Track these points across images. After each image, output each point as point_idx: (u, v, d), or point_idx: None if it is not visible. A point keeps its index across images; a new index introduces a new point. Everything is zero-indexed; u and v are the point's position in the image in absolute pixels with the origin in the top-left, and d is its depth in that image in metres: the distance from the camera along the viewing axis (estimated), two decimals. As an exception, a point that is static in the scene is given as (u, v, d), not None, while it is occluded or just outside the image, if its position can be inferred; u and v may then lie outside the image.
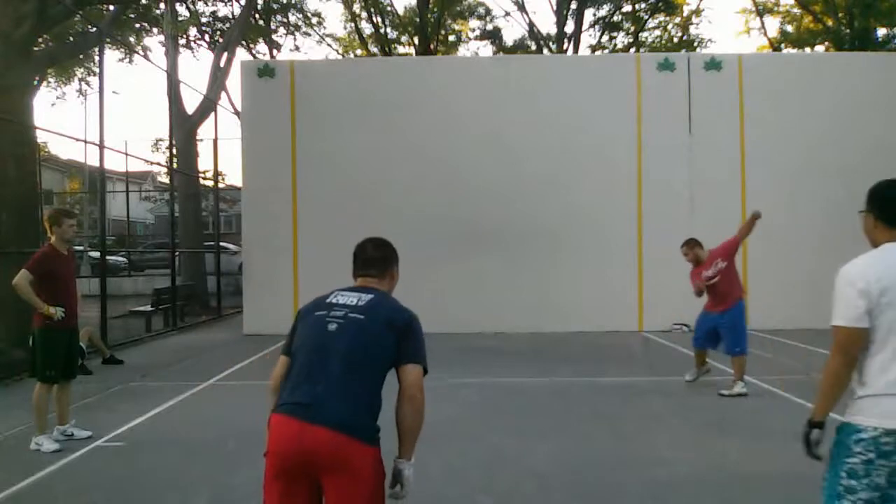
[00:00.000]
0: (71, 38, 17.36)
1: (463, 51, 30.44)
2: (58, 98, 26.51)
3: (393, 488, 2.40)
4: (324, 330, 2.41)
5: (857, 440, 2.40)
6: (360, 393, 2.34)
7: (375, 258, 2.74)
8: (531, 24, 28.89)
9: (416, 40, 26.97)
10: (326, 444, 2.23)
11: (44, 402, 5.53)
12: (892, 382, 2.36)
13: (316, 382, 2.32)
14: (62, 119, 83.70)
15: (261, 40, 25.17)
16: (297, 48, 63.62)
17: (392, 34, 28.25)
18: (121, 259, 24.78)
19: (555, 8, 26.27)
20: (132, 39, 21.10)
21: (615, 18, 27.77)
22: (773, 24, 36.16)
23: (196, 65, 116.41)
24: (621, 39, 28.55)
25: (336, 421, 2.25)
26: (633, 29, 28.07)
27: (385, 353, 2.40)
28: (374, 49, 27.84)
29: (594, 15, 27.70)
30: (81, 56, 18.68)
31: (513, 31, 79.02)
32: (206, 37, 23.33)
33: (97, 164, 12.59)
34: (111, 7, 15.40)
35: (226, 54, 17.86)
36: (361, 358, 2.36)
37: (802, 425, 2.52)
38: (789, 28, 27.48)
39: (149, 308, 13.51)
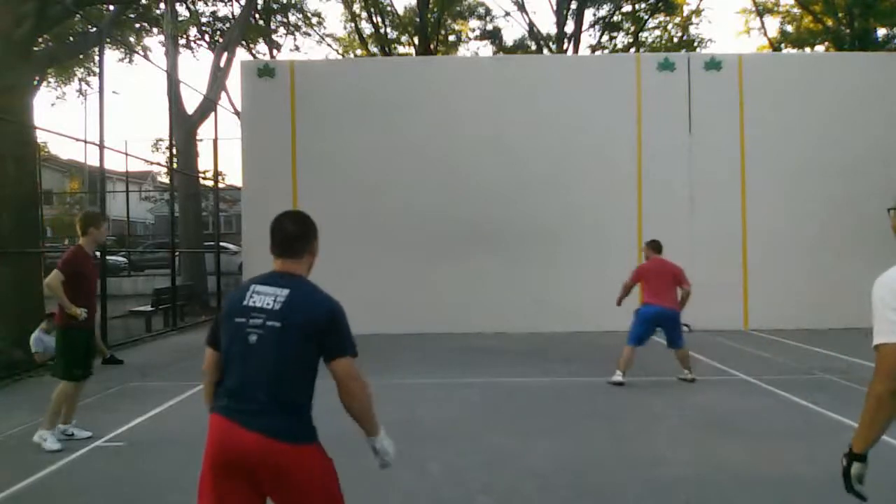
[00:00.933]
0: (71, 38, 17.36)
1: (463, 51, 30.46)
2: (58, 98, 26.55)
3: (377, 459, 2.64)
4: (245, 342, 2.43)
5: None
6: (292, 400, 2.43)
7: (295, 236, 2.61)
8: (531, 24, 28.92)
9: (416, 40, 26.97)
10: (261, 451, 2.34)
11: (66, 399, 5.59)
12: None
13: (248, 393, 2.43)
14: (62, 119, 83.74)
15: (261, 40, 25.17)
16: (297, 48, 63.83)
17: (392, 34, 28.25)
18: (121, 259, 24.77)
19: (555, 8, 26.26)
20: (132, 39, 21.11)
21: (615, 18, 27.75)
22: (773, 24, 36.22)
23: (196, 65, 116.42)
24: (621, 39, 28.56)
25: (271, 430, 2.35)
26: (633, 29, 28.06)
27: (308, 358, 2.45)
28: (374, 49, 27.83)
29: (594, 15, 27.72)
30: (81, 56, 18.68)
31: (513, 31, 79.07)
32: (206, 37, 23.33)
33: (97, 164, 12.59)
34: (111, 7, 15.40)
35: (226, 54, 17.86)
36: (285, 369, 2.41)
37: (842, 458, 2.26)
38: (789, 28, 27.48)
39: (149, 308, 13.51)
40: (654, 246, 8.28)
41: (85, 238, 5.68)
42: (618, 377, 7.56)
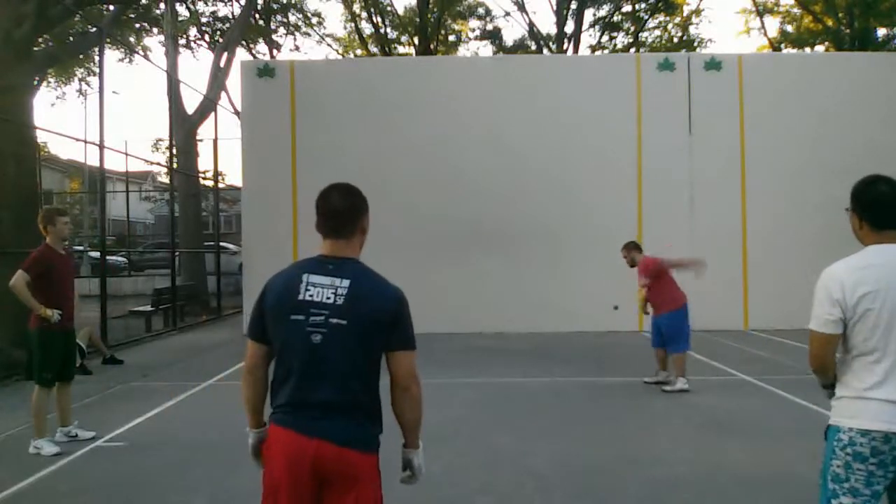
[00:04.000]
0: (71, 38, 17.36)
1: (463, 51, 30.47)
2: (58, 98, 26.59)
3: (404, 472, 2.42)
4: (308, 341, 2.20)
5: (837, 441, 2.44)
6: (364, 404, 2.26)
7: (343, 210, 2.36)
8: (531, 24, 28.91)
9: (416, 40, 26.97)
10: (332, 459, 2.16)
11: (43, 405, 5.48)
12: (869, 385, 2.39)
13: (315, 400, 2.20)
14: (62, 119, 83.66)
15: (261, 40, 25.18)
16: (297, 48, 63.68)
17: (392, 34, 28.26)
18: (121, 259, 24.78)
19: (555, 8, 26.27)
20: (132, 39, 21.12)
21: (615, 18, 27.76)
22: (773, 24, 36.21)
23: (196, 65, 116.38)
24: (621, 39, 28.56)
25: (343, 439, 2.18)
26: (633, 29, 28.06)
27: (377, 357, 2.28)
28: (374, 49, 27.84)
29: (594, 15, 27.73)
30: (81, 56, 18.69)
31: (513, 31, 79.01)
32: (206, 37, 23.35)
33: (97, 164, 12.60)
34: (111, 7, 15.40)
35: (226, 54, 17.86)
36: (356, 371, 2.22)
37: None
38: (789, 28, 27.48)
39: (149, 308, 13.51)
40: (632, 245, 8.09)
41: (48, 236, 5.52)
42: (684, 384, 7.32)
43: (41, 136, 32.48)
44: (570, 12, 26.36)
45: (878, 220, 2.44)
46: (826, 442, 2.50)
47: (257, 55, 24.60)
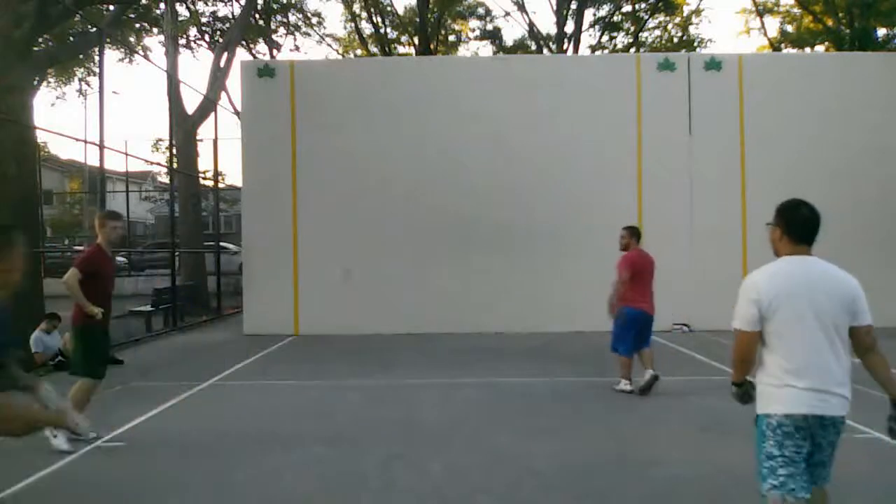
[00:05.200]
0: (71, 38, 17.36)
1: (463, 51, 30.47)
2: (58, 98, 26.54)
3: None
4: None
5: (767, 425, 2.91)
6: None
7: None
8: (531, 24, 28.96)
9: (416, 40, 26.97)
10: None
11: (85, 398, 5.51)
12: (787, 374, 2.87)
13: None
14: (62, 119, 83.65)
15: (261, 40, 25.18)
16: (297, 48, 63.63)
17: (392, 34, 28.27)
18: (121, 259, 24.76)
19: (555, 8, 26.27)
20: (132, 39, 21.11)
21: (615, 18, 27.76)
22: (773, 24, 36.18)
23: (196, 65, 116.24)
24: (621, 39, 28.56)
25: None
26: (633, 29, 28.06)
27: None
28: (374, 49, 27.84)
29: (594, 15, 27.73)
30: (81, 56, 18.69)
31: (513, 31, 79.00)
32: (206, 37, 23.35)
33: (97, 164, 12.59)
34: (111, 7, 15.39)
35: (226, 54, 17.85)
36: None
37: (731, 388, 3.18)
38: (789, 28, 27.47)
39: (149, 308, 13.50)
40: (636, 233, 7.85)
41: (100, 238, 5.70)
42: (625, 385, 7.26)
43: (41, 136, 32.51)
44: (570, 12, 26.35)
45: (798, 236, 3.00)
46: (756, 428, 2.97)
47: (257, 55, 24.61)
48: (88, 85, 22.43)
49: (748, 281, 3.00)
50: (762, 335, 2.94)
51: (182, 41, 21.00)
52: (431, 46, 26.45)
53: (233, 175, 30.42)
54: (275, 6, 25.32)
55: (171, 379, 8.52)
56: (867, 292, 3.12)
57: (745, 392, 3.08)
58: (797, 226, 3.01)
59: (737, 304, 2.99)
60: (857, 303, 2.95)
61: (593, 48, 27.94)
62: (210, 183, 19.03)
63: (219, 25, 23.26)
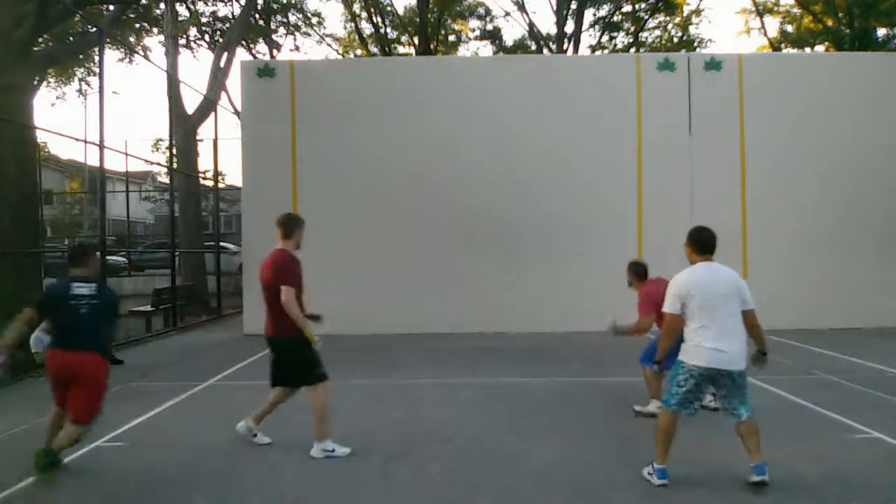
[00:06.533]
0: (71, 38, 17.36)
1: (463, 51, 30.47)
2: (58, 98, 26.57)
3: None
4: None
5: (682, 369, 4.48)
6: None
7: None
8: (531, 24, 28.95)
9: (416, 40, 26.97)
10: None
11: (329, 403, 5.31)
12: (699, 340, 4.40)
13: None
14: (62, 119, 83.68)
15: (261, 40, 25.18)
16: (297, 48, 63.75)
17: (392, 34, 28.26)
18: (121, 259, 24.77)
19: (555, 8, 26.27)
20: (132, 39, 21.11)
21: (615, 18, 27.76)
22: (773, 24, 36.22)
23: (196, 65, 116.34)
24: (621, 39, 28.56)
25: None
26: (633, 29, 28.06)
27: None
28: (374, 49, 27.84)
29: (594, 15, 27.73)
30: (81, 56, 18.69)
31: (513, 31, 79.07)
32: (206, 37, 23.36)
33: (97, 164, 12.59)
34: (111, 7, 15.40)
35: (226, 54, 17.85)
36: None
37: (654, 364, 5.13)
38: (789, 28, 27.48)
39: (149, 308, 13.50)
40: (636, 269, 6.86)
41: (290, 242, 5.33)
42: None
43: (41, 136, 32.53)
44: (570, 12, 26.35)
45: (702, 249, 4.62)
46: (676, 367, 4.55)
47: (257, 55, 24.61)
48: (88, 85, 22.46)
49: (675, 281, 4.64)
50: (685, 315, 4.56)
51: (182, 41, 21.01)
52: (431, 46, 26.44)
53: (233, 175, 30.51)
54: (275, 6, 25.32)
55: (171, 379, 8.53)
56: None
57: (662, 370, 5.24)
58: (701, 243, 4.65)
59: (667, 296, 4.62)
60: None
61: (593, 48, 27.94)
62: (210, 183, 19.03)
63: (219, 25, 23.27)
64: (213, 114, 17.10)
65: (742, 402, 4.43)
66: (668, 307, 4.50)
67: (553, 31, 27.50)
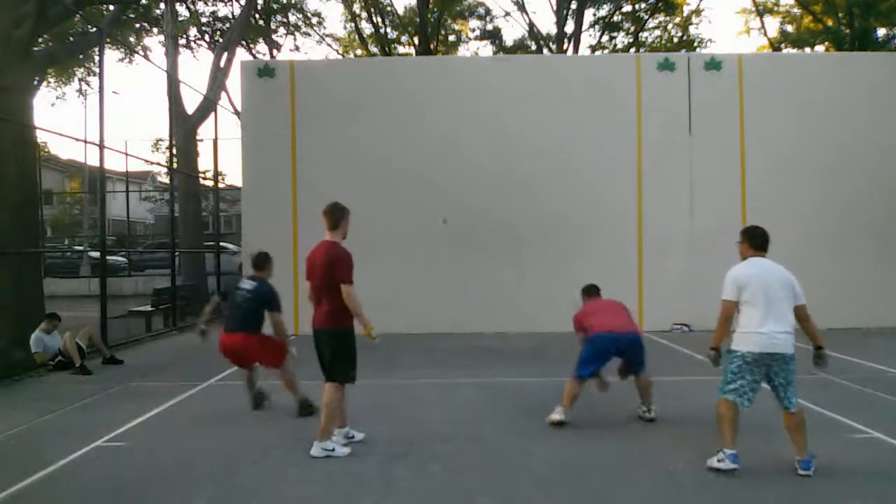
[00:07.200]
0: (71, 38, 17.36)
1: (463, 51, 30.46)
2: (58, 98, 26.54)
3: None
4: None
5: (737, 356, 4.67)
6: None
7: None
8: (531, 24, 28.95)
9: (416, 40, 26.97)
10: None
11: (341, 405, 5.32)
12: (752, 327, 4.62)
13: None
14: (62, 119, 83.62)
15: (261, 40, 25.17)
16: (297, 48, 63.77)
17: (392, 34, 28.26)
18: (121, 259, 24.78)
19: (555, 8, 26.26)
20: (132, 39, 21.11)
21: (615, 18, 27.75)
22: (773, 24, 36.23)
23: (196, 65, 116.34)
24: (621, 39, 28.54)
25: None
26: (633, 29, 28.04)
27: None
28: (374, 49, 27.84)
29: (594, 15, 27.72)
30: (81, 56, 18.68)
31: (513, 31, 79.05)
32: (206, 37, 23.35)
33: (97, 164, 12.59)
34: (111, 7, 15.40)
35: (226, 54, 17.84)
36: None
37: (708, 352, 4.89)
38: (789, 28, 27.48)
39: (149, 308, 13.50)
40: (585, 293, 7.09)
41: (338, 233, 5.35)
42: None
43: (41, 136, 32.53)
44: (570, 12, 26.34)
45: (757, 245, 4.97)
46: (730, 356, 4.71)
47: (257, 55, 24.61)
48: (88, 85, 22.44)
49: (733, 271, 4.92)
50: (739, 303, 4.78)
51: (182, 41, 21.00)
52: (431, 46, 26.44)
53: (233, 175, 30.51)
54: (275, 6, 25.32)
55: (171, 379, 8.52)
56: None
57: (718, 357, 4.90)
58: (755, 239, 5.04)
59: (724, 284, 4.83)
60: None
61: (593, 48, 27.94)
62: (210, 183, 19.03)
63: (219, 25, 23.27)
64: (213, 114, 17.09)
65: (794, 392, 4.64)
66: (725, 294, 4.72)
67: (553, 31, 27.52)
